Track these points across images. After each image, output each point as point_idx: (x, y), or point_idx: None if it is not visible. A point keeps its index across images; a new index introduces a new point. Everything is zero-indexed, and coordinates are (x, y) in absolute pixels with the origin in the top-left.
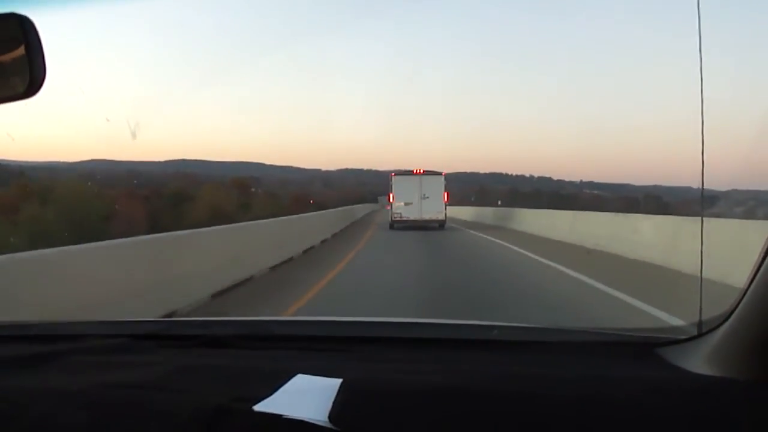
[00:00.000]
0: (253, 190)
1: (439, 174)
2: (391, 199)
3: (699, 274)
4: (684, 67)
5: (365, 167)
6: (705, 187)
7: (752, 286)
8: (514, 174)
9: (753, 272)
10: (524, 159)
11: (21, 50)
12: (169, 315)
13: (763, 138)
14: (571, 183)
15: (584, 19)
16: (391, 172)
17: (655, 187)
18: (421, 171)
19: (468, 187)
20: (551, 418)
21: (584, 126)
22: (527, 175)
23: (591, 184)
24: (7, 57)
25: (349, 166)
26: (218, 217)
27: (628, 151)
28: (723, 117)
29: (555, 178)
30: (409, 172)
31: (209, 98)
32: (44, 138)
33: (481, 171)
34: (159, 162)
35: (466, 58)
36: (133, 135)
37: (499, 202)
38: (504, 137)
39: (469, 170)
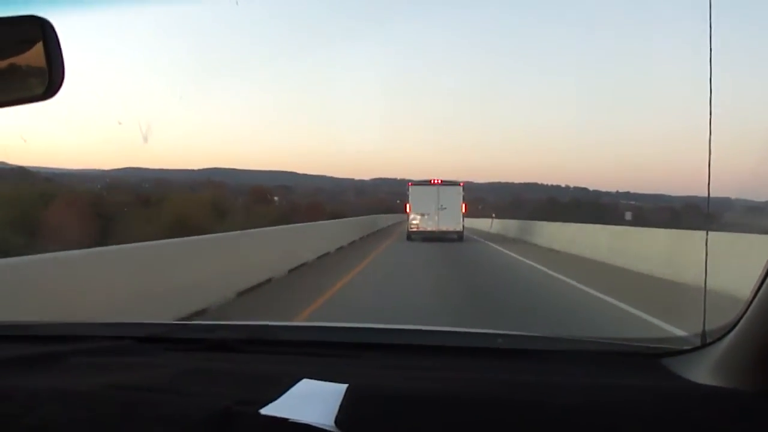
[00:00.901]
0: (275, 198)
1: (457, 184)
2: (407, 210)
3: None
4: (706, 74)
5: (399, 176)
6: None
7: (757, 298)
8: (549, 184)
9: (758, 284)
10: (559, 169)
11: (40, 52)
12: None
13: None
14: (607, 193)
15: (618, 25)
16: (413, 181)
17: (691, 197)
18: (439, 181)
19: (503, 198)
20: (556, 427)
21: (620, 136)
22: (563, 185)
23: (627, 195)
24: (27, 59)
25: (383, 176)
26: (181, 228)
27: (664, 161)
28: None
29: (591, 189)
30: (427, 183)
31: (242, 107)
32: (76, 145)
33: (516, 181)
34: (191, 170)
35: (500, 68)
36: (145, 139)
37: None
38: (539, 147)
39: (503, 180)
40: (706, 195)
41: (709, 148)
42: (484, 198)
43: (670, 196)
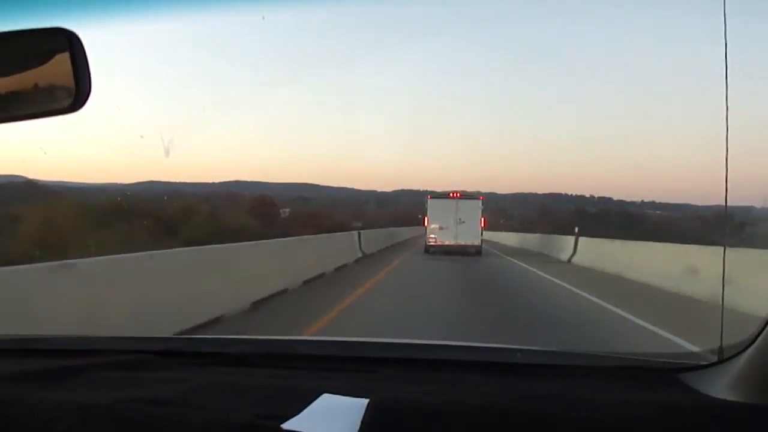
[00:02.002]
0: (283, 210)
1: (476, 198)
2: (426, 223)
3: None
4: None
5: (421, 188)
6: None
7: None
8: (574, 194)
9: None
10: (583, 179)
11: (67, 65)
12: None
13: None
14: (632, 203)
15: (642, 33)
16: (432, 194)
17: (716, 206)
18: (458, 194)
19: (528, 210)
20: None
21: (643, 145)
22: (587, 195)
23: (653, 204)
24: (53, 71)
25: (405, 187)
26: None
27: (687, 170)
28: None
29: (615, 198)
30: (446, 195)
31: (264, 119)
32: (96, 159)
33: (540, 191)
34: (212, 183)
35: (523, 79)
36: (167, 153)
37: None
38: (562, 157)
39: (527, 191)
40: (733, 204)
41: (726, 165)
42: (507, 209)
43: (696, 206)
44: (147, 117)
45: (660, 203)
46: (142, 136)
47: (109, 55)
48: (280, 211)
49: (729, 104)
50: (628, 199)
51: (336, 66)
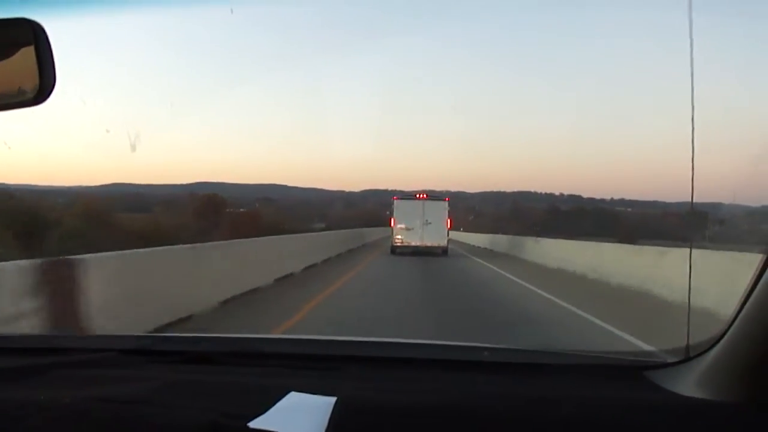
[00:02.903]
0: (228, 210)
1: (442, 199)
2: (392, 224)
3: None
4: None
5: (389, 187)
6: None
7: (742, 313)
8: (543, 192)
9: (742, 299)
10: (552, 177)
11: (32, 57)
12: None
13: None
14: (602, 200)
15: (611, 31)
16: (398, 195)
17: (685, 203)
18: (424, 196)
19: (500, 207)
20: None
21: (612, 142)
22: (557, 193)
23: (623, 202)
24: (17, 62)
25: (373, 187)
26: None
27: (656, 167)
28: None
29: (585, 196)
30: (412, 196)
31: (230, 120)
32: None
33: (508, 190)
34: (179, 185)
35: (490, 78)
36: (133, 148)
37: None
38: (531, 155)
39: (496, 189)
40: (701, 201)
41: (692, 169)
42: (477, 208)
43: (665, 203)
44: (111, 113)
45: (630, 200)
46: (108, 131)
47: (74, 49)
48: (240, 211)
49: (695, 102)
50: (598, 197)
51: (303, 64)
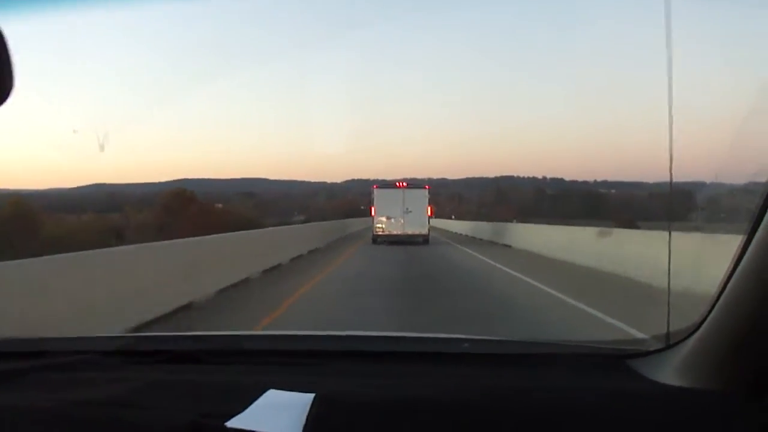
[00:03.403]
0: (216, 206)
1: (423, 188)
2: (372, 213)
3: None
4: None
5: (371, 177)
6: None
7: (720, 300)
8: (525, 176)
9: (721, 286)
10: (534, 161)
11: None
12: None
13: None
14: (584, 183)
15: (588, 13)
16: (378, 184)
17: (665, 184)
18: (404, 184)
19: (484, 192)
20: (522, 430)
21: (591, 124)
22: (539, 176)
23: (605, 183)
24: None
25: (355, 177)
26: None
27: (637, 148)
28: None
29: (568, 179)
30: (392, 185)
31: (208, 115)
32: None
33: (490, 175)
34: (159, 183)
35: (467, 64)
36: (101, 147)
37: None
38: (511, 139)
39: (478, 175)
40: (683, 181)
41: (670, 155)
42: (461, 194)
43: (648, 183)
44: (80, 114)
45: (612, 182)
46: (75, 131)
47: (33, 49)
48: (216, 206)
49: (674, 81)
50: (581, 179)
51: (280, 57)
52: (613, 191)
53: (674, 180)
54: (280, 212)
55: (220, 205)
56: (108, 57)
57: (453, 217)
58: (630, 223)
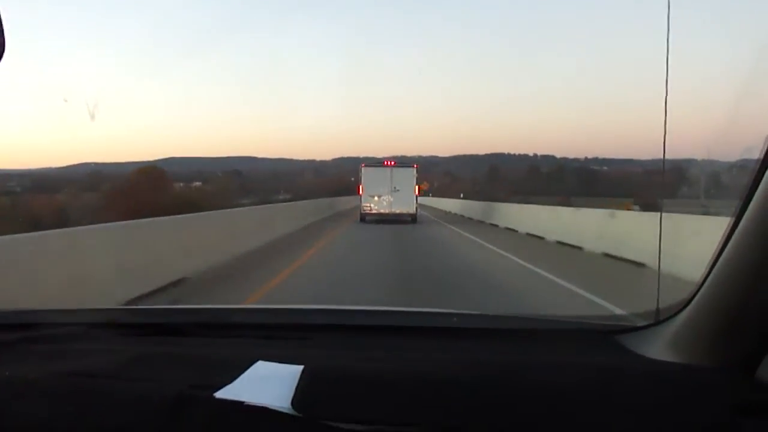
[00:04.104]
0: (195, 184)
1: (411, 166)
2: (360, 192)
3: None
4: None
5: (362, 154)
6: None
7: (711, 276)
8: (516, 153)
9: (711, 262)
10: (524, 138)
11: None
12: None
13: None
14: (575, 160)
15: None
16: (366, 162)
17: (659, 160)
18: (393, 163)
19: (477, 170)
20: (510, 405)
21: (582, 101)
22: (530, 154)
23: (596, 161)
24: None
25: (345, 155)
26: None
27: (628, 125)
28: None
29: (558, 156)
30: (380, 164)
31: (197, 93)
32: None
33: (481, 153)
34: (149, 161)
35: (458, 40)
36: (92, 116)
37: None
38: (502, 117)
39: (468, 152)
40: (672, 158)
41: (664, 138)
42: (452, 172)
43: (640, 160)
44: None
45: (603, 159)
46: (65, 100)
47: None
48: (193, 185)
49: (669, 58)
50: (572, 156)
51: (271, 34)
52: (605, 168)
53: (672, 157)
54: (267, 191)
55: (198, 184)
56: (94, 30)
57: (463, 196)
58: (648, 205)
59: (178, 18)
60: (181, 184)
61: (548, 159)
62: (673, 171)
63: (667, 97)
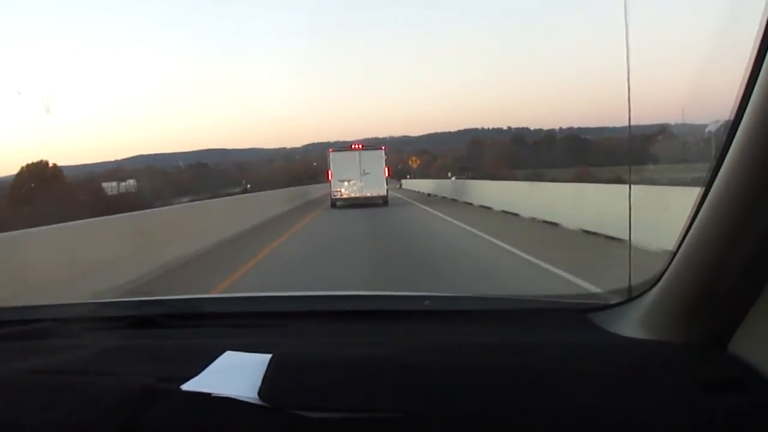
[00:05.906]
0: (130, 182)
1: (379, 149)
2: (329, 177)
3: None
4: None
5: (332, 140)
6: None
7: (680, 251)
8: (489, 128)
9: (681, 237)
10: (496, 111)
11: None
12: None
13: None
14: (550, 131)
15: None
16: (334, 147)
17: (636, 127)
18: (360, 146)
19: (454, 146)
20: (483, 387)
21: (548, 70)
22: (504, 127)
23: (571, 130)
24: None
25: (315, 141)
26: None
27: (599, 93)
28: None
29: (533, 128)
30: (348, 148)
31: (164, 86)
32: None
33: (453, 129)
34: (116, 161)
35: (419, 16)
36: (47, 110)
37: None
38: (470, 92)
39: (439, 130)
40: (649, 123)
41: (629, 104)
42: (428, 150)
43: (612, 128)
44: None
45: (578, 128)
46: (18, 93)
47: None
48: (122, 184)
49: (630, 21)
50: (546, 128)
51: (232, 20)
52: (586, 137)
53: (643, 123)
54: (228, 183)
55: (131, 182)
56: (49, 18)
57: (451, 179)
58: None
59: (136, 5)
60: (113, 184)
61: (521, 131)
62: (643, 138)
63: (630, 62)
